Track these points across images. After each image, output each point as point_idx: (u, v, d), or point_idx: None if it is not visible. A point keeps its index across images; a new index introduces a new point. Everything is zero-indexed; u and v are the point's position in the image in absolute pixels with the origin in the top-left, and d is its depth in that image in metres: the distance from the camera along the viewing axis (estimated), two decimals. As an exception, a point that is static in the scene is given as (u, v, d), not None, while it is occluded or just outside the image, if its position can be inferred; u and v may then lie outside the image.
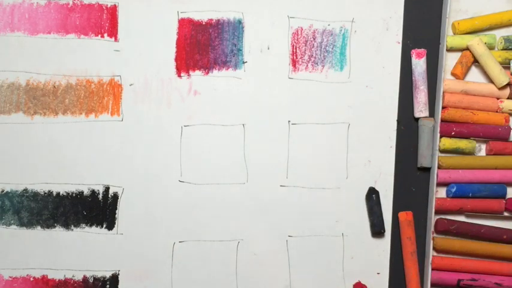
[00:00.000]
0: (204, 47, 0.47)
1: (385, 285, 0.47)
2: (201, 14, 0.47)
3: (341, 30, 0.48)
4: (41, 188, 0.46)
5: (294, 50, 0.47)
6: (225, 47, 0.47)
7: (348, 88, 0.48)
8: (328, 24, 0.48)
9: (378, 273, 0.47)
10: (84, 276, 0.46)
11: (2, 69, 0.46)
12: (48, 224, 0.46)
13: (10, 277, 0.46)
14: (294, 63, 0.47)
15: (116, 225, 0.46)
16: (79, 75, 0.46)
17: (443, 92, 0.47)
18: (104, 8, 0.46)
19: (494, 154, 0.47)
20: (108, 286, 0.46)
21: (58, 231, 0.46)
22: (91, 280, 0.46)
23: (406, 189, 0.48)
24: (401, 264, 0.47)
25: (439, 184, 0.47)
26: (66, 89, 0.46)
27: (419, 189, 0.48)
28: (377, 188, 0.47)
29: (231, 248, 0.47)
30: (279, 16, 0.47)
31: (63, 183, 0.46)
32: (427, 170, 0.48)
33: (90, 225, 0.46)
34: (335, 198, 0.47)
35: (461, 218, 0.48)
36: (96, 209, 0.46)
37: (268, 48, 0.47)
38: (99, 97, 0.46)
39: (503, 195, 0.47)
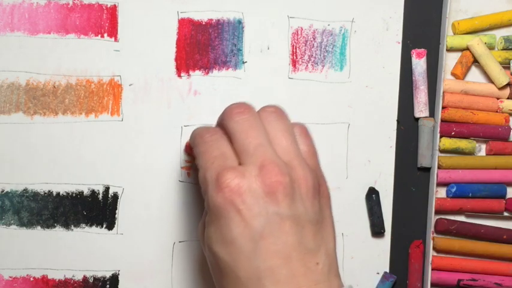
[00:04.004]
0: (204, 47, 0.47)
1: (385, 285, 0.47)
2: (201, 14, 0.47)
3: (341, 30, 0.48)
4: (41, 188, 0.46)
5: (294, 50, 0.47)
6: (225, 47, 0.47)
7: (348, 88, 0.48)
8: (328, 24, 0.48)
9: (378, 273, 0.47)
10: (84, 276, 0.46)
11: (2, 69, 0.46)
12: (48, 224, 0.46)
13: (10, 277, 0.46)
14: (294, 63, 0.47)
15: (116, 225, 0.46)
16: (79, 75, 0.46)
17: (443, 92, 0.47)
18: (104, 8, 0.46)
19: (494, 154, 0.48)
20: (108, 286, 0.46)
21: (58, 231, 0.46)
22: (91, 280, 0.46)
23: (406, 189, 0.48)
24: (401, 264, 0.47)
25: (439, 184, 0.47)
26: (66, 89, 0.46)
27: (419, 189, 0.48)
28: (377, 188, 0.47)
29: (231, 248, 0.47)
30: (279, 16, 0.47)
31: (63, 183, 0.46)
32: (427, 170, 0.48)
33: (90, 225, 0.46)
34: (335, 198, 0.47)
35: (461, 218, 0.48)
36: (96, 209, 0.46)
37: (268, 48, 0.47)
38: (99, 97, 0.46)
39: (503, 195, 0.47)
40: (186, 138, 0.47)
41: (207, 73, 0.47)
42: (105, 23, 0.47)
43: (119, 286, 0.46)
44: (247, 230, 0.33)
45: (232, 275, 0.33)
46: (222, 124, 0.37)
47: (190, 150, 0.45)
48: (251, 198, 0.33)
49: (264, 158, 0.34)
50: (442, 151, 0.47)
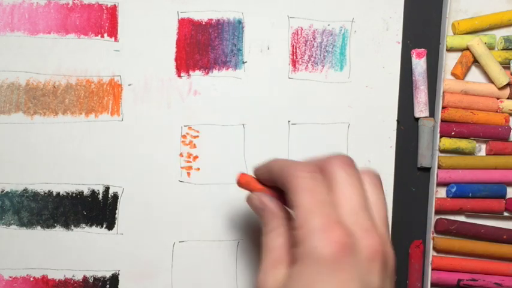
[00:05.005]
0: (204, 47, 0.47)
1: (385, 285, 0.47)
2: (201, 14, 0.47)
3: (341, 30, 0.48)
4: (41, 188, 0.46)
5: (294, 50, 0.47)
6: (225, 47, 0.47)
7: (348, 88, 0.48)
8: (328, 24, 0.48)
9: (378, 273, 0.47)
10: (84, 276, 0.46)
11: (2, 69, 0.46)
12: (48, 224, 0.46)
13: (10, 277, 0.46)
14: (294, 63, 0.47)
15: (116, 225, 0.46)
16: (79, 75, 0.46)
17: (443, 92, 0.47)
18: (104, 8, 0.46)
19: (494, 154, 0.48)
20: (108, 286, 0.46)
21: (58, 231, 0.46)
22: (91, 280, 0.46)
23: (406, 189, 0.48)
24: (401, 264, 0.47)
25: (439, 184, 0.47)
26: (66, 89, 0.46)
27: (419, 189, 0.48)
28: (377, 188, 0.47)
29: (231, 248, 0.47)
30: (279, 16, 0.47)
31: (63, 183, 0.46)
32: (427, 170, 0.48)
33: (90, 225, 0.46)
34: (335, 198, 0.47)
35: (461, 218, 0.48)
36: (96, 209, 0.46)
37: (268, 48, 0.47)
38: (99, 97, 0.46)
39: (503, 195, 0.47)
40: (187, 137, 0.47)
41: (207, 73, 0.47)
42: (105, 23, 0.47)
43: (119, 286, 0.46)
44: None
45: None
46: (324, 167, 0.34)
47: (246, 185, 0.39)
48: (354, 260, 0.31)
49: (368, 224, 0.32)
50: (442, 151, 0.47)
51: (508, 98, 0.48)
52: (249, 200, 0.38)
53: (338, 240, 0.31)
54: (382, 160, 0.47)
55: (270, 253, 0.34)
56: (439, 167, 0.47)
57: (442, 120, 0.47)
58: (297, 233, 0.32)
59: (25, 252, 0.46)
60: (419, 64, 0.47)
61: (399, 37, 0.48)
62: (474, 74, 0.48)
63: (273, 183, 0.36)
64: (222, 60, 0.47)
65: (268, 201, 0.37)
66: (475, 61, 0.48)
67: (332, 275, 0.31)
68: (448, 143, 0.47)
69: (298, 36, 0.47)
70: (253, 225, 0.47)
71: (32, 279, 0.46)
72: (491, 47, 0.48)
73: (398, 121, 0.48)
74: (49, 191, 0.46)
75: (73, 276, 0.46)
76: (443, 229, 0.47)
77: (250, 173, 0.39)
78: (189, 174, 0.47)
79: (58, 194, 0.46)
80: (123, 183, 0.46)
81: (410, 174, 0.48)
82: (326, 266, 0.31)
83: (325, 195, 0.33)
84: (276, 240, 0.35)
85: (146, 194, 0.46)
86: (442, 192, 0.48)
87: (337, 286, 0.30)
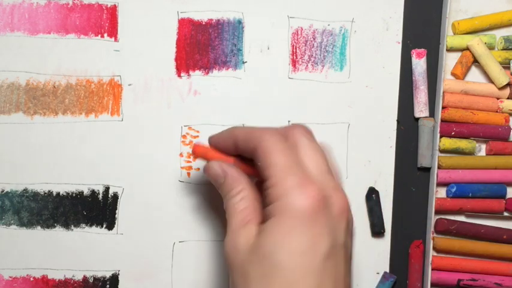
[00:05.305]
0: (204, 47, 0.47)
1: (385, 285, 0.47)
2: (201, 14, 0.47)
3: (341, 30, 0.48)
4: (41, 188, 0.46)
5: (294, 50, 0.47)
6: (225, 47, 0.47)
7: (348, 88, 0.48)
8: (328, 24, 0.48)
9: (378, 273, 0.47)
10: (84, 276, 0.46)
11: (2, 69, 0.46)
12: (48, 224, 0.46)
13: (10, 277, 0.46)
14: (294, 63, 0.47)
15: (116, 225, 0.46)
16: (79, 75, 0.46)
17: (443, 92, 0.47)
18: (104, 8, 0.46)
19: (494, 154, 0.48)
20: (108, 286, 0.46)
21: (58, 231, 0.46)
22: (91, 280, 0.46)
23: (406, 189, 0.48)
24: (401, 264, 0.47)
25: (439, 184, 0.47)
26: (66, 89, 0.46)
27: (419, 189, 0.48)
28: (377, 188, 0.47)
29: (231, 248, 0.47)
30: (279, 16, 0.47)
31: (63, 183, 0.46)
32: (427, 170, 0.48)
33: (90, 225, 0.46)
34: (335, 198, 0.47)
35: (461, 218, 0.48)
36: (96, 209, 0.46)
37: (268, 48, 0.47)
38: (99, 97, 0.46)
39: (503, 195, 0.47)
40: (187, 137, 0.47)
41: (207, 73, 0.47)
42: (105, 23, 0.47)
43: (119, 286, 0.46)
44: (327, 243, 0.33)
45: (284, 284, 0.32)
46: (287, 134, 0.36)
47: (203, 155, 0.40)
48: (327, 215, 0.33)
49: (335, 184, 0.35)
50: (442, 151, 0.47)
51: (508, 98, 0.48)
52: (207, 169, 0.39)
53: (314, 195, 0.32)
54: (382, 160, 0.47)
55: (238, 215, 0.36)
56: (439, 167, 0.47)
57: (442, 120, 0.47)
58: (271, 191, 0.34)
59: (25, 252, 0.46)
60: (419, 64, 0.47)
61: (399, 37, 0.48)
62: (474, 74, 0.48)
63: (234, 150, 0.38)
64: (222, 60, 0.47)
65: (229, 168, 0.38)
66: (475, 61, 0.48)
67: (306, 228, 0.32)
68: (448, 143, 0.47)
69: (298, 36, 0.47)
70: (253, 225, 0.47)
71: (32, 279, 0.46)
72: (491, 47, 0.48)
73: (398, 121, 0.48)
74: (49, 191, 0.46)
75: (73, 276, 0.46)
76: (443, 229, 0.47)
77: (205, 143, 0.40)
78: (189, 174, 0.47)
79: (58, 194, 0.46)
80: (123, 183, 0.46)
81: (410, 174, 0.48)
82: (302, 219, 0.32)
83: (295, 156, 0.35)
84: (242, 202, 0.36)
85: (146, 194, 0.46)
86: (442, 192, 0.48)
87: (310, 239, 0.32)
